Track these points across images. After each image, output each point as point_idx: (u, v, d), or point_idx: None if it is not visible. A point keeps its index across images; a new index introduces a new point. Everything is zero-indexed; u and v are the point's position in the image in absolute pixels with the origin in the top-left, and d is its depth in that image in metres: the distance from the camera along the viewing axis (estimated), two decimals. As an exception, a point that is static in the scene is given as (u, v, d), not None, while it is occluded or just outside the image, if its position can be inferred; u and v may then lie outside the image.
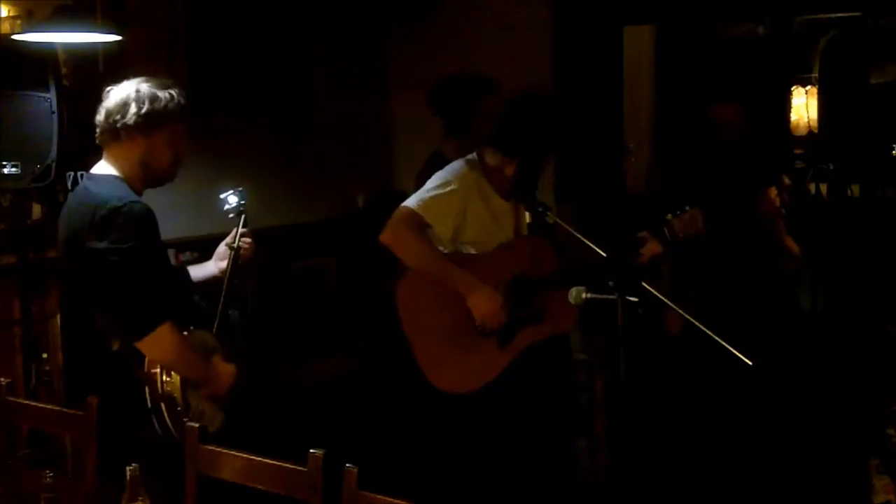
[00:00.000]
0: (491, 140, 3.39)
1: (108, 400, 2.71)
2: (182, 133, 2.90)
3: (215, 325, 3.05)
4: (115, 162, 2.87)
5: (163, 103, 2.83)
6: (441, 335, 3.25)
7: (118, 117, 2.81)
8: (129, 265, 2.69)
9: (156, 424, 2.78)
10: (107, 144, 2.87)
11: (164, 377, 2.80)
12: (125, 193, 2.80)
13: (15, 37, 3.45)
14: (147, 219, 2.78)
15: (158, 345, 2.73)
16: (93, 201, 2.77)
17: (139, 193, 2.87)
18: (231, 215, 3.18)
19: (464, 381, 3.25)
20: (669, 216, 3.28)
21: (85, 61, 4.15)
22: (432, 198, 3.26)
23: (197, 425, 2.50)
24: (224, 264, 3.17)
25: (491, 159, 3.37)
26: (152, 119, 2.81)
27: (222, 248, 3.20)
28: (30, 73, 3.52)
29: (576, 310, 3.36)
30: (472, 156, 3.41)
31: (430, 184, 3.31)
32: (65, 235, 2.88)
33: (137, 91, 2.83)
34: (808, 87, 6.30)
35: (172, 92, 2.87)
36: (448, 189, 3.27)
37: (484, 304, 3.24)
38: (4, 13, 3.98)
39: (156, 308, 2.72)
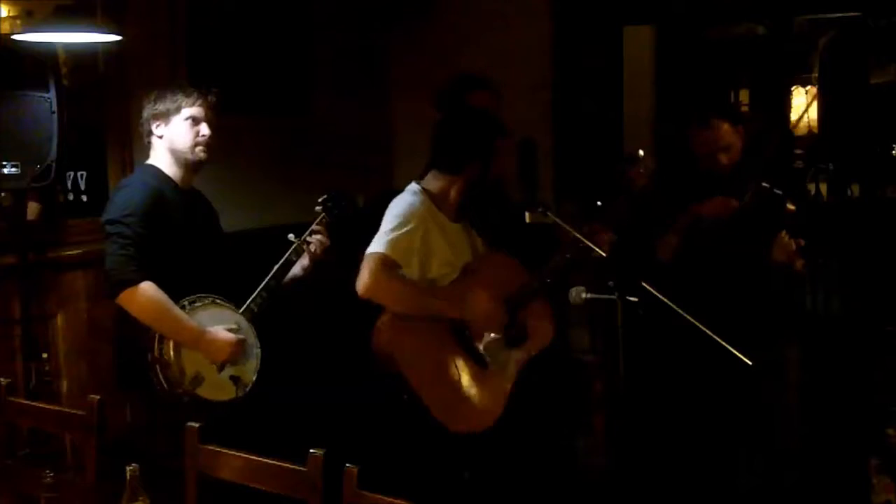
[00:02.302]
0: (431, 163, 3.36)
1: (125, 359, 3.27)
2: (193, 117, 3.26)
3: (244, 307, 3.30)
4: (154, 153, 3.34)
5: (167, 98, 3.26)
6: (447, 381, 3.16)
7: (144, 115, 3.31)
8: (120, 230, 3.10)
9: (154, 383, 3.09)
10: (149, 142, 3.34)
11: (160, 341, 3.10)
12: (140, 177, 3.29)
13: (15, 37, 3.45)
14: (145, 193, 3.18)
15: (131, 302, 3.08)
16: (115, 188, 3.36)
17: (184, 179, 3.33)
18: (317, 207, 3.50)
19: (478, 420, 3.18)
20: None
21: (85, 61, 4.16)
22: (395, 239, 3.15)
23: (197, 425, 2.50)
24: (306, 262, 3.47)
25: (434, 184, 3.33)
26: (160, 113, 3.27)
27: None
28: (30, 73, 3.51)
29: (553, 321, 3.38)
30: (415, 187, 3.34)
31: (386, 225, 3.20)
32: None
33: (154, 93, 3.30)
34: (808, 87, 6.30)
35: (179, 86, 3.32)
36: (407, 228, 3.17)
37: (479, 308, 3.19)
38: (4, 13, 3.99)
39: (130, 269, 3.06)
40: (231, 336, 3.20)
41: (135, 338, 3.12)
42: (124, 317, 3.14)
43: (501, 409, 3.22)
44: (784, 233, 3.43)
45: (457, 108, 3.44)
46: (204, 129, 3.28)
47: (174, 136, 3.27)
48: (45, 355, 3.82)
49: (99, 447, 2.65)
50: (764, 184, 3.43)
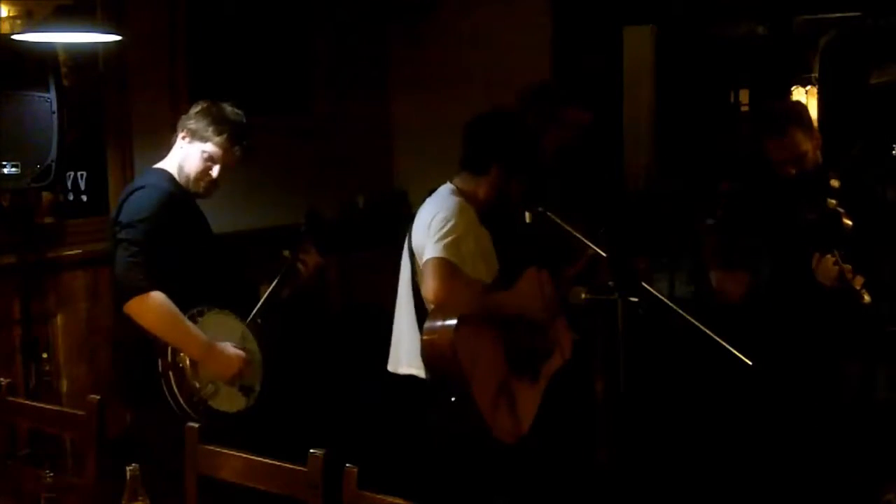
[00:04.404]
0: (469, 165, 3.32)
1: (132, 370, 3.11)
2: (221, 160, 3.18)
3: (248, 321, 3.24)
4: (172, 156, 3.23)
5: (216, 124, 3.16)
6: (495, 386, 3.12)
7: (186, 116, 3.20)
8: (131, 236, 2.99)
9: (166, 392, 2.96)
10: (172, 142, 3.23)
11: (175, 348, 3.00)
12: (156, 181, 3.14)
13: (15, 37, 3.44)
14: (160, 198, 3.06)
15: (141, 311, 2.97)
16: (129, 188, 3.18)
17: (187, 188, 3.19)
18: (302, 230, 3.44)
19: (516, 428, 3.16)
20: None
21: (85, 61, 4.15)
22: (450, 242, 3.10)
23: (196, 426, 2.50)
24: (300, 280, 3.37)
25: (464, 184, 3.30)
26: (200, 129, 3.16)
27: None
28: (30, 73, 3.51)
29: (571, 336, 3.40)
30: (451, 186, 3.30)
31: (438, 229, 3.13)
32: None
33: (212, 105, 3.20)
34: (808, 87, 6.31)
35: (234, 125, 3.20)
36: (459, 232, 3.13)
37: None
38: (4, 13, 3.98)
39: (141, 275, 2.96)
40: (239, 353, 3.13)
41: (142, 346, 3.01)
42: (128, 324, 3.04)
43: (532, 417, 3.23)
44: (829, 256, 3.37)
45: (488, 113, 3.41)
46: (215, 171, 3.19)
47: (188, 158, 3.18)
48: (45, 355, 3.82)
49: (99, 447, 2.65)
50: (831, 200, 3.37)
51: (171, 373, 2.98)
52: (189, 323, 3.03)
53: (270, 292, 3.30)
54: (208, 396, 3.01)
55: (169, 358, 2.99)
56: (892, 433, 3.59)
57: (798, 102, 5.37)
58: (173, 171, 3.20)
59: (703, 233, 3.99)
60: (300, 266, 3.37)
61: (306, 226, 3.46)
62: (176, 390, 2.97)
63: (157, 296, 2.97)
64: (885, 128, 5.33)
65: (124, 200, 3.10)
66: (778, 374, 3.42)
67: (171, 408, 2.96)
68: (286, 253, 3.37)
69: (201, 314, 3.09)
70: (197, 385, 3.00)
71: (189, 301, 3.06)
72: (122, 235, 3.02)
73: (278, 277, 3.32)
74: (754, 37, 6.34)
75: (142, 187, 3.10)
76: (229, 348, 3.12)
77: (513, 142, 3.31)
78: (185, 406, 2.96)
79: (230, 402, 3.10)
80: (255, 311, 3.27)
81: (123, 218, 3.04)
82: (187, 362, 3.00)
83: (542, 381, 3.28)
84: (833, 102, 5.96)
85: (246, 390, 3.14)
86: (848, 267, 3.29)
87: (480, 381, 3.06)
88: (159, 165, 3.23)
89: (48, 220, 4.04)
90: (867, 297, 3.31)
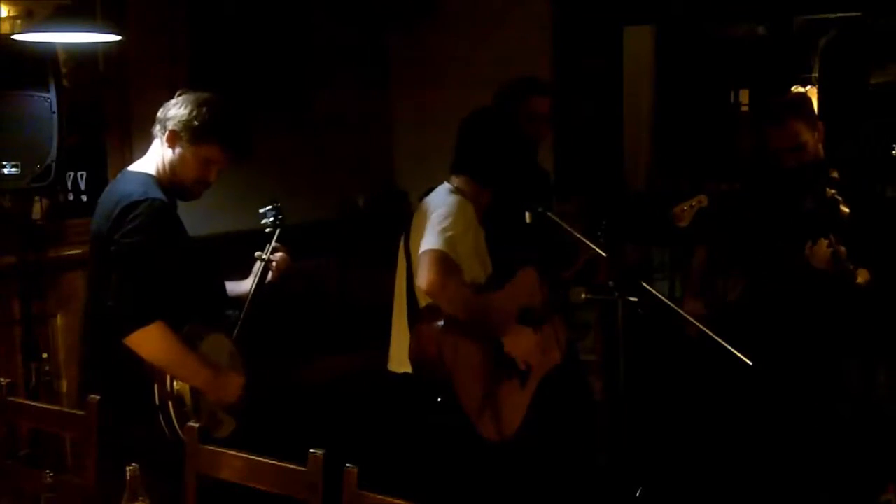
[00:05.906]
0: (463, 169, 3.31)
1: (117, 394, 2.80)
2: (216, 161, 2.97)
3: (234, 335, 3.08)
4: (153, 157, 2.97)
5: (211, 123, 2.92)
6: (480, 389, 3.12)
7: (171, 114, 2.93)
8: (131, 259, 2.75)
9: (162, 422, 2.79)
10: (155, 139, 2.98)
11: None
12: (149, 189, 2.87)
13: (15, 37, 3.45)
14: (162, 215, 2.84)
15: (144, 344, 2.75)
16: (116, 196, 2.87)
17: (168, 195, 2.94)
18: (267, 229, 3.28)
19: (502, 429, 3.17)
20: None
21: (85, 61, 4.16)
22: (450, 237, 3.08)
23: (197, 425, 2.50)
24: (272, 277, 3.23)
25: (466, 187, 3.29)
26: (195, 130, 2.91)
27: (257, 264, 3.23)
28: (30, 73, 3.51)
29: (565, 337, 3.39)
30: (450, 186, 3.30)
31: (438, 223, 3.11)
32: (91, 230, 2.97)
33: (200, 101, 2.94)
34: (808, 87, 6.31)
35: (229, 123, 2.97)
36: (458, 228, 3.12)
37: (524, 343, 3.20)
38: (4, 13, 3.98)
39: (145, 306, 2.74)
40: (241, 379, 2.97)
41: (135, 371, 2.79)
42: (119, 349, 2.77)
43: (520, 420, 3.23)
44: (823, 240, 3.37)
45: (487, 121, 3.39)
46: (213, 174, 2.98)
47: (184, 162, 2.93)
48: (45, 355, 3.83)
49: (99, 447, 2.64)
50: (830, 190, 3.38)
51: (170, 403, 2.80)
52: (192, 353, 2.84)
53: (251, 298, 3.16)
54: (211, 429, 2.79)
55: (168, 387, 2.81)
56: (890, 433, 3.59)
57: (803, 94, 5.38)
58: (155, 172, 2.95)
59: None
60: (271, 266, 3.22)
61: (270, 222, 3.31)
62: (175, 423, 2.78)
63: (161, 327, 2.75)
64: (885, 128, 5.33)
65: (118, 212, 2.81)
66: (776, 371, 3.42)
67: (161, 434, 2.79)
68: (257, 254, 3.24)
69: (200, 338, 2.91)
70: (196, 416, 2.80)
71: (178, 314, 2.84)
72: (122, 256, 2.77)
73: (254, 281, 3.19)
74: (754, 37, 6.34)
75: (140, 200, 2.81)
76: (231, 375, 2.96)
77: (521, 159, 3.32)
78: (183, 437, 2.67)
79: (224, 425, 2.96)
80: (239, 325, 3.11)
81: (123, 237, 2.77)
82: (188, 390, 2.83)
83: (530, 386, 3.29)
84: (833, 102, 5.96)
85: (235, 412, 3.00)
86: (842, 249, 3.31)
87: (465, 382, 3.08)
88: (140, 168, 2.98)
89: (48, 220, 4.04)
90: (860, 278, 3.33)
